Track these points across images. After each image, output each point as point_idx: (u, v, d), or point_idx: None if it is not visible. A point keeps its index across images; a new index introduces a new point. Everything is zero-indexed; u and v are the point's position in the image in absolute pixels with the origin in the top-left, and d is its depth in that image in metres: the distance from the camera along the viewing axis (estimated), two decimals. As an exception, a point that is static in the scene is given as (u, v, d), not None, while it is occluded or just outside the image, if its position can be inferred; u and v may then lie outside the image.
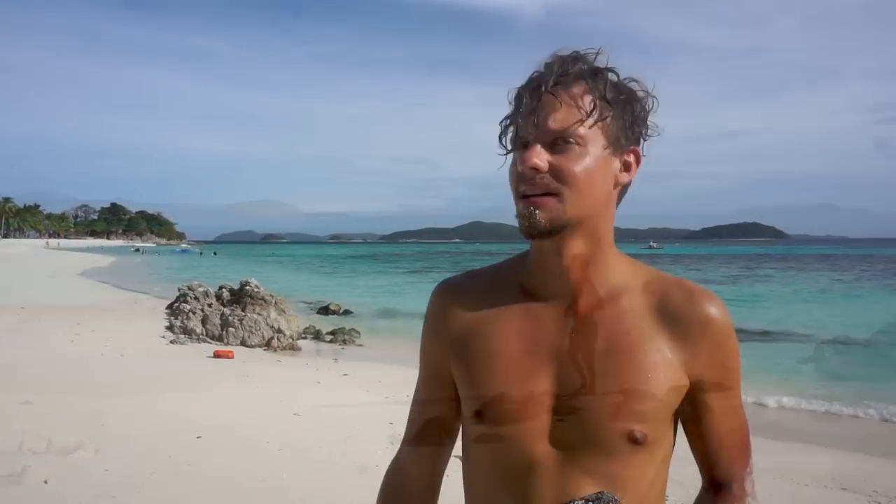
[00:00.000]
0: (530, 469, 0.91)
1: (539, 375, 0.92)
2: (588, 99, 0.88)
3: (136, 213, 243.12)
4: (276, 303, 12.96)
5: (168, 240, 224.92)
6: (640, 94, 0.93)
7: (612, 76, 0.91)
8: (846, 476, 5.11)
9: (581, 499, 0.89)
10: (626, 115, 0.92)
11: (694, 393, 0.94)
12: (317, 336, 13.54)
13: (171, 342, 10.92)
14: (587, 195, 0.89)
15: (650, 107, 0.94)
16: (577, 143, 0.88)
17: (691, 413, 0.96)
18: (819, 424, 7.45)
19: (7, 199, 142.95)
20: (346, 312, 18.89)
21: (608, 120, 0.89)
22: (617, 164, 0.93)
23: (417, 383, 1.09)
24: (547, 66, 0.91)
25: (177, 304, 13.00)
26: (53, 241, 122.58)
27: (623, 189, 0.96)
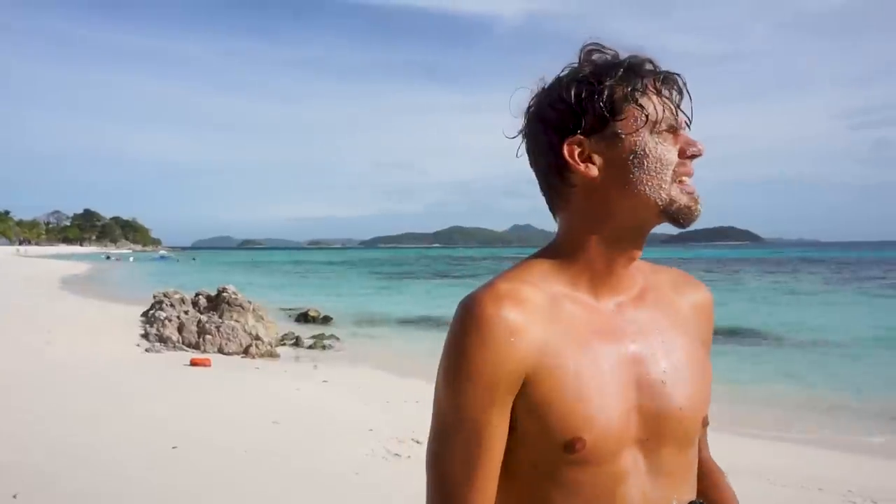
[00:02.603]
0: (626, 488, 0.86)
1: (628, 385, 0.88)
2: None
3: (111, 219, 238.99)
4: (254, 309, 12.83)
5: (143, 246, 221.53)
6: None
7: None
8: (822, 476, 5.18)
9: None
10: None
11: None
12: (296, 343, 13.42)
13: (147, 350, 10.74)
14: None
15: None
16: None
17: None
18: (794, 424, 7.55)
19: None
20: (326, 319, 18.76)
21: None
22: None
23: (449, 431, 0.86)
24: (644, 60, 0.90)
25: (152, 312, 12.80)
26: (23, 248, 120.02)
27: None
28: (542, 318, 0.86)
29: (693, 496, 0.93)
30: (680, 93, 0.90)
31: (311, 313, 19.08)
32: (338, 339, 14.14)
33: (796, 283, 35.71)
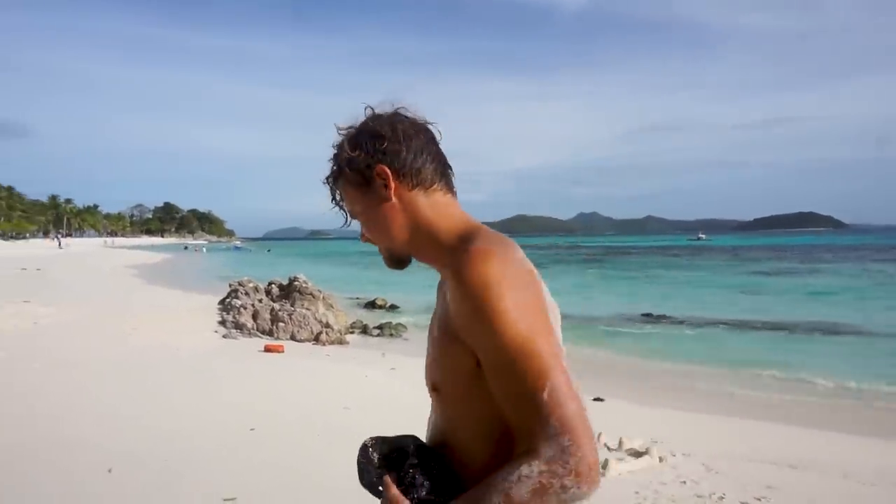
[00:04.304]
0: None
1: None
2: (334, 190, 1.19)
3: (188, 211, 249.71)
4: (323, 298, 13.16)
5: (219, 237, 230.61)
6: (361, 132, 1.13)
7: (337, 152, 1.15)
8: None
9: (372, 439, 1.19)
10: (355, 163, 1.11)
11: (472, 353, 1.03)
12: (364, 331, 13.70)
13: (224, 337, 11.21)
14: (393, 237, 1.14)
15: (374, 134, 1.11)
16: (357, 217, 1.18)
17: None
18: (886, 422, 7.14)
19: (68, 201, 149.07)
20: (393, 307, 19.06)
21: (346, 187, 1.15)
22: (380, 193, 1.11)
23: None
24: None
25: (228, 300, 13.33)
26: (110, 240, 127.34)
27: (415, 185, 1.12)
28: None
29: (440, 439, 1.16)
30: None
31: (379, 302, 19.42)
32: (404, 327, 14.34)
33: (890, 274, 33.57)
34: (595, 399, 7.67)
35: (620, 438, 5.17)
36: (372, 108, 1.15)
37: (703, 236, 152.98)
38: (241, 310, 12.34)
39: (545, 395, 0.94)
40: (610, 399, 7.70)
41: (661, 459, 4.85)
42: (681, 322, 16.61)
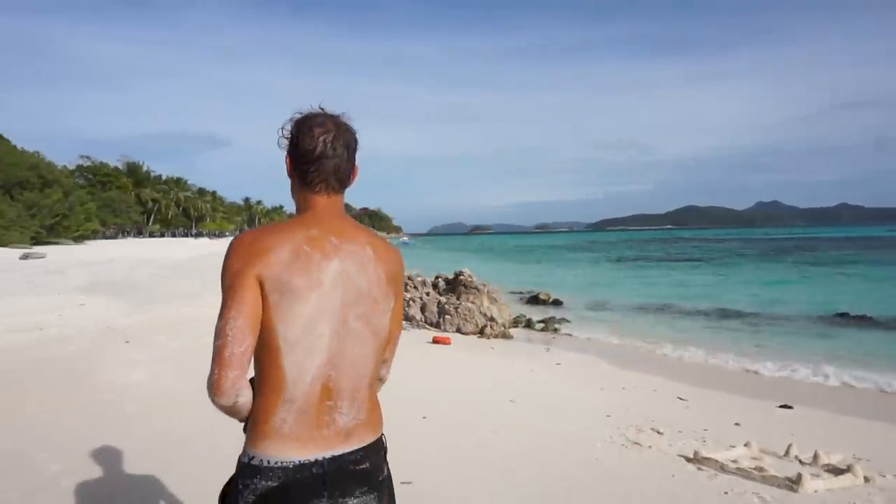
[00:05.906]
0: None
1: None
2: None
3: (360, 209, 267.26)
4: (488, 292, 13.37)
5: (388, 233, 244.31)
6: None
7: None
8: None
9: None
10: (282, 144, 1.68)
11: None
12: (528, 325, 13.72)
13: (395, 328, 11.81)
14: (294, 199, 1.72)
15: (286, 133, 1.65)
16: None
17: None
18: None
19: (259, 202, 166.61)
20: (556, 302, 18.87)
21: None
22: (289, 168, 1.67)
23: None
24: None
25: (398, 293, 14.01)
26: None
27: (298, 178, 1.66)
28: None
29: None
30: None
31: (542, 296, 19.34)
32: (569, 322, 14.15)
33: None
34: (781, 406, 7.02)
35: (816, 452, 4.68)
36: (302, 113, 1.63)
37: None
38: (410, 302, 12.93)
39: (216, 330, 1.46)
40: (800, 407, 7.00)
41: (866, 479, 4.32)
42: (886, 324, 14.64)
